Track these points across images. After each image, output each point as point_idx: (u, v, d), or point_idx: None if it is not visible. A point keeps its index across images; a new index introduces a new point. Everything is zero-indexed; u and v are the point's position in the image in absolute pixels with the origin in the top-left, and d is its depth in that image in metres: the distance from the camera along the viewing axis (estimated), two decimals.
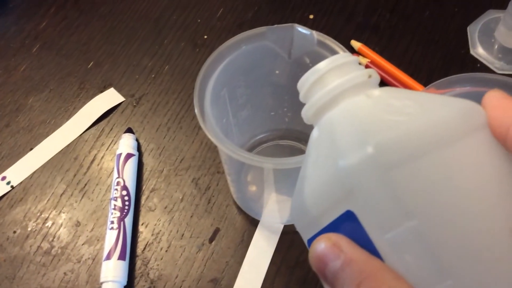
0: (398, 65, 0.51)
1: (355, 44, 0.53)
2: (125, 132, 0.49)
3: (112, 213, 0.43)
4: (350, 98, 0.20)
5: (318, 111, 0.21)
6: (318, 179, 0.19)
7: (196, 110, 0.34)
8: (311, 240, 0.20)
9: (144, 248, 0.44)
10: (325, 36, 0.36)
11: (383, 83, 0.50)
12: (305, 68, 0.39)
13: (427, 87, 0.35)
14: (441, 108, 0.18)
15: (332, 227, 0.19)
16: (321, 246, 0.19)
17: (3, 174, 0.48)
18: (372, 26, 0.56)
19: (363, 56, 0.52)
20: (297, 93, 0.23)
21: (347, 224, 0.18)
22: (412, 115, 0.18)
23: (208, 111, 0.34)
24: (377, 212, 0.17)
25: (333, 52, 0.35)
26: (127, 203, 0.44)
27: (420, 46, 0.54)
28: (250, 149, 0.48)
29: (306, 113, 0.21)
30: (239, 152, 0.32)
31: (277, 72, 0.39)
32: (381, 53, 0.53)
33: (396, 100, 0.19)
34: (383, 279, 0.17)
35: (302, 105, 0.22)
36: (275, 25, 0.36)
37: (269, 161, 0.33)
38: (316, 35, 0.36)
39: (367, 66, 0.51)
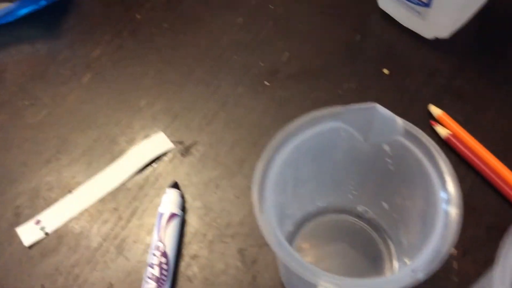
0: (484, 140, 0.45)
1: (435, 110, 0.47)
2: (171, 187, 0.44)
3: (147, 282, 0.39)
4: None
5: None
6: None
7: (254, 198, 0.29)
8: None
9: None
10: (412, 125, 0.30)
11: (466, 164, 0.44)
12: (383, 155, 0.33)
13: None
14: None
15: None
16: None
17: (38, 217, 0.45)
18: (455, 90, 0.49)
19: (444, 126, 0.46)
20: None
21: None
22: None
23: (268, 200, 0.29)
24: None
25: (424, 148, 0.30)
26: (165, 272, 0.40)
27: None
28: (306, 220, 0.42)
29: None
30: (300, 267, 0.28)
31: (350, 152, 0.34)
32: (464, 124, 0.46)
33: None
34: None
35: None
36: (352, 105, 0.31)
37: (327, 278, 0.28)
38: (401, 122, 0.30)
39: (447, 139, 0.45)
